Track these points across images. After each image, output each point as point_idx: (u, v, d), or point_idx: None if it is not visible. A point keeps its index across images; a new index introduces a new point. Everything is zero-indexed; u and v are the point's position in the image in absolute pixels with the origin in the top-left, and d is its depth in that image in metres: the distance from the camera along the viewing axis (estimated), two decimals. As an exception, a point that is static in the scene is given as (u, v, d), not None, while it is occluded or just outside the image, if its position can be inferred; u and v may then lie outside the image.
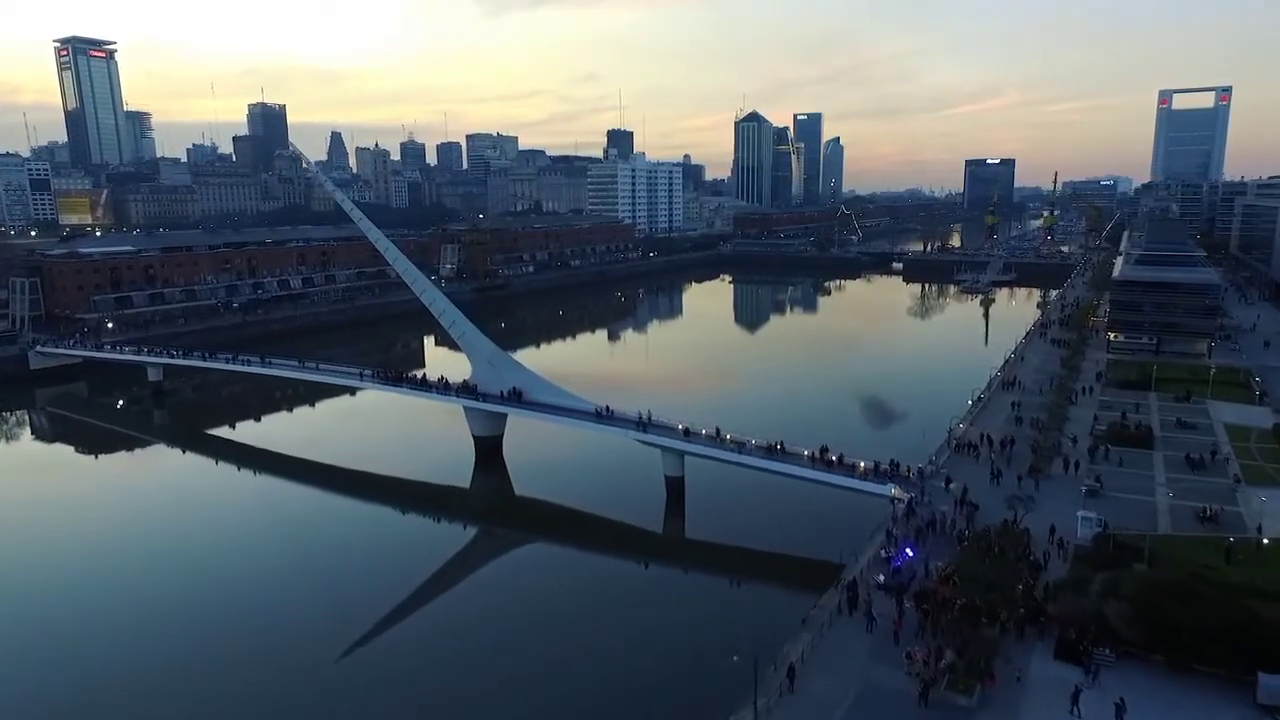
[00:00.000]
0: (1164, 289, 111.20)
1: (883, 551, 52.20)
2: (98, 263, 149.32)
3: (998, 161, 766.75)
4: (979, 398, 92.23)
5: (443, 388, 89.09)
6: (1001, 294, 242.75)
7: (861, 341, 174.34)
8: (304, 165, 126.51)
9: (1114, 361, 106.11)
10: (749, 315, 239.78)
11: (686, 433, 75.07)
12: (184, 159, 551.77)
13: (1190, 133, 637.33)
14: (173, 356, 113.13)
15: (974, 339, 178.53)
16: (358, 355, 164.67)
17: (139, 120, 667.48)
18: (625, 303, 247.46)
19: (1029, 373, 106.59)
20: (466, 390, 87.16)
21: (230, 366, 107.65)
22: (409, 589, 63.78)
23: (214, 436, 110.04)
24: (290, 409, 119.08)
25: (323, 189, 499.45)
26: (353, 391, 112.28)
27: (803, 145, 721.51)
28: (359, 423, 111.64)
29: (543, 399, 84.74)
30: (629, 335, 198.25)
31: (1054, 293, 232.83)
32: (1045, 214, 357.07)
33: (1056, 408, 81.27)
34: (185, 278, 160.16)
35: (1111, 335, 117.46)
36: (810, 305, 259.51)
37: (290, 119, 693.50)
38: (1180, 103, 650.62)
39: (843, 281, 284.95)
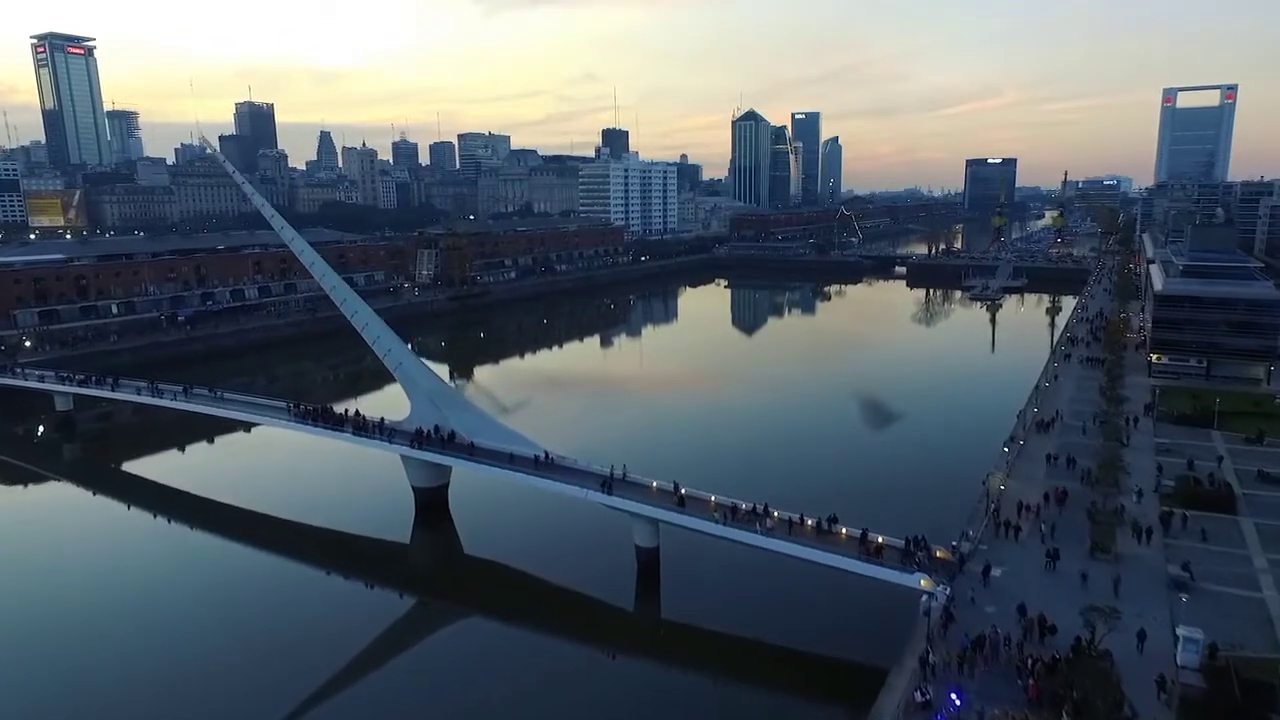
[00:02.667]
0: (1218, 305, 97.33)
1: (918, 694, 37.96)
2: (19, 273, 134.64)
3: (999, 161, 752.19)
4: (1012, 437, 78.09)
5: (376, 430, 74.67)
6: (1009, 300, 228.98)
7: (868, 358, 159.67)
8: (210, 151, 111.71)
9: (1162, 390, 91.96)
10: (745, 327, 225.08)
11: (676, 489, 61.00)
12: (173, 159, 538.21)
13: (1195, 131, 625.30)
14: (81, 384, 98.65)
15: (991, 355, 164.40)
16: (323, 370, 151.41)
17: (125, 120, 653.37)
18: (614, 310, 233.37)
19: (1063, 402, 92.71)
20: (414, 434, 72.69)
21: (138, 398, 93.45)
22: (338, 665, 53.47)
23: (128, 475, 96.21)
24: (214, 440, 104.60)
25: (309, 190, 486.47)
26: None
27: (801, 145, 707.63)
28: (289, 458, 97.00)
29: (491, 444, 70.49)
30: (617, 347, 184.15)
31: (1066, 299, 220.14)
32: (1054, 214, 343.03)
33: (1110, 457, 67.00)
34: (124, 288, 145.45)
35: (1154, 357, 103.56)
36: (811, 315, 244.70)
37: (288, 119, 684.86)
38: (1184, 101, 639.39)
39: (843, 287, 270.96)
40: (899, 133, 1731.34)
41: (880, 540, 53.41)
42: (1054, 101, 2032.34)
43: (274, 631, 58.93)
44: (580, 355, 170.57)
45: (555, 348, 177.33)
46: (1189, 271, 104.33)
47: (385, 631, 60.83)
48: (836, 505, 76.23)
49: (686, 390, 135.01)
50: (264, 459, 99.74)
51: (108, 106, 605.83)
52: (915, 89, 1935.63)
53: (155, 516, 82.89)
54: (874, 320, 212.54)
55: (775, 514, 57.28)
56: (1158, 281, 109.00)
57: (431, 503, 74.90)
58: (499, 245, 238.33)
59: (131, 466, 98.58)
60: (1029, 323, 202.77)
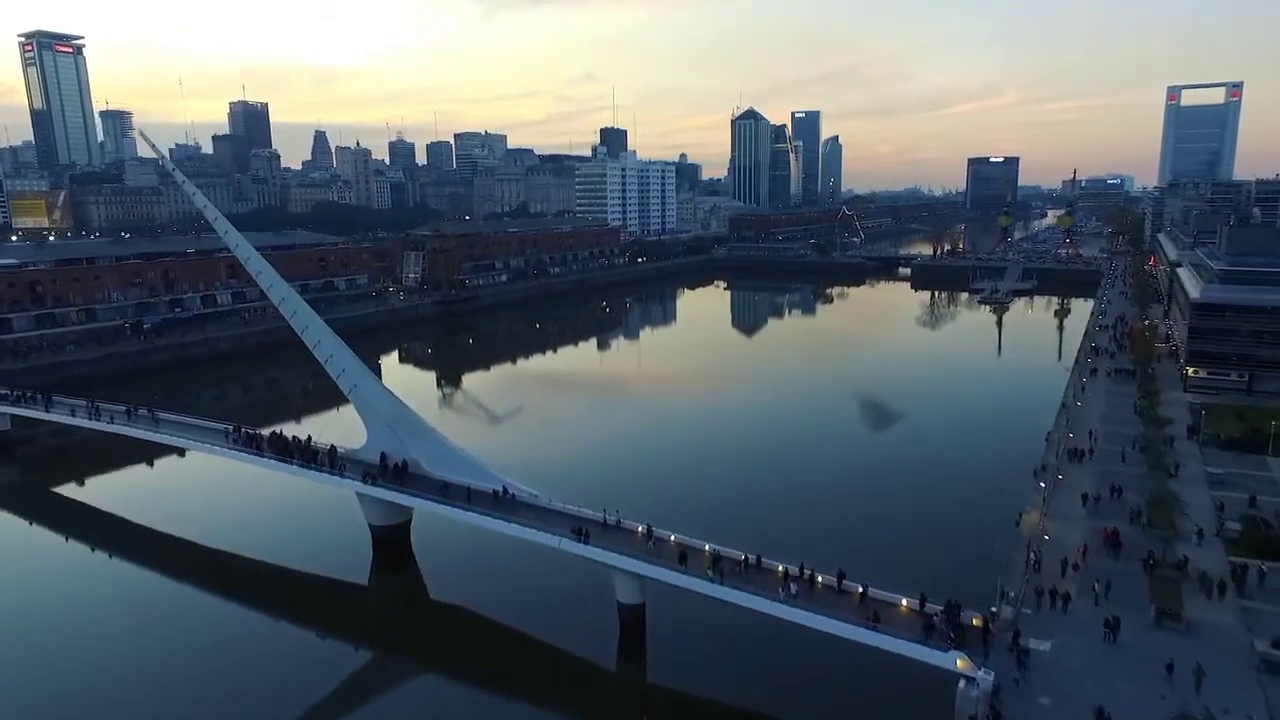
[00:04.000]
0: (1263, 314, 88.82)
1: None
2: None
3: (1001, 160, 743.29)
4: (1043, 466, 69.53)
5: (327, 461, 66.14)
6: (1018, 302, 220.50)
7: (875, 366, 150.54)
8: (137, 138, 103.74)
9: (1204, 408, 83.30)
10: (745, 332, 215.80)
11: (650, 534, 52.87)
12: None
13: (1200, 130, 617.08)
14: (15, 402, 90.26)
15: (1008, 362, 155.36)
16: (302, 379, 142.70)
17: (119, 120, 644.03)
18: (610, 314, 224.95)
19: (1095, 421, 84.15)
20: (366, 469, 64.41)
21: (71, 420, 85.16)
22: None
23: (69, 501, 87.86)
24: (164, 462, 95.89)
25: (301, 190, 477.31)
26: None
27: (801, 144, 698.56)
28: (239, 484, 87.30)
29: (450, 475, 62.09)
30: (612, 354, 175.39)
31: (1077, 302, 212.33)
32: (1059, 214, 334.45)
33: (1160, 495, 58.54)
34: (84, 295, 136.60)
35: (1190, 370, 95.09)
36: (814, 319, 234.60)
37: (288, 120, 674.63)
38: (1189, 99, 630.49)
39: (846, 289, 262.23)
40: (899, 132, 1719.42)
41: (904, 604, 45.11)
42: (1054, 101, 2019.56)
43: (214, 684, 52.07)
44: (573, 363, 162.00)
45: (549, 352, 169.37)
46: (1228, 277, 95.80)
47: (337, 688, 53.70)
48: (844, 533, 69.14)
49: (683, 399, 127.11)
50: (213, 484, 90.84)
51: (102, 106, 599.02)
52: (915, 89, 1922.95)
53: (94, 550, 75.97)
54: (880, 324, 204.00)
55: (782, 569, 48.96)
56: (1193, 288, 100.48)
57: (391, 541, 66.46)
58: (489, 247, 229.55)
59: (73, 492, 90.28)
60: (1042, 327, 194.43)
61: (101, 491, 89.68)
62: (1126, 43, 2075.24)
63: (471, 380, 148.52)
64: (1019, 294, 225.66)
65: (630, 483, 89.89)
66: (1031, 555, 50.99)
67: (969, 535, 67.75)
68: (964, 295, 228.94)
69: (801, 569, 48.67)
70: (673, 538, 52.89)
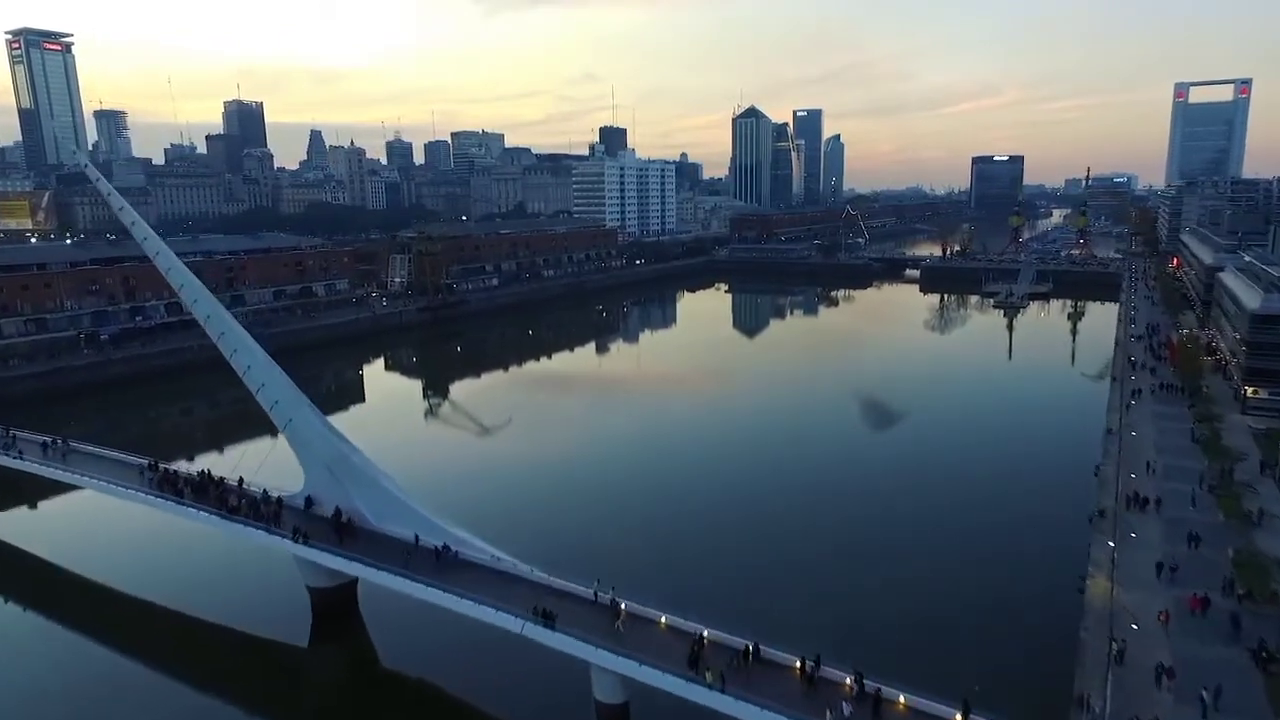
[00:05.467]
0: (1335, 328, 78.83)
1: None
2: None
3: (1006, 159, 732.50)
4: (1100, 512, 59.19)
5: (257, 510, 55.96)
6: (1031, 305, 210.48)
7: (886, 379, 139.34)
8: (76, 150, 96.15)
9: (1270, 435, 73.12)
10: (749, 339, 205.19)
11: (617, 610, 42.82)
12: (163, 159, 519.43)
13: (1208, 127, 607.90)
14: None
15: (1033, 371, 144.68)
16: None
17: (113, 119, 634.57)
18: (606, 319, 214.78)
19: (1149, 451, 73.85)
20: (296, 525, 54.26)
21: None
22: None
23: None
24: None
25: (294, 190, 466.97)
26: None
27: (802, 143, 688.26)
28: (175, 519, 79.24)
29: (400, 530, 51.95)
30: (608, 361, 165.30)
31: (1093, 305, 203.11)
32: (1074, 214, 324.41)
33: (1252, 552, 48.35)
34: (33, 304, 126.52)
35: (1249, 390, 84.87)
36: (823, 325, 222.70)
37: (288, 120, 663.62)
38: (1197, 96, 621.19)
39: (852, 292, 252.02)
40: (899, 132, 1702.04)
41: (959, 720, 34.98)
42: (1055, 100, 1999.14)
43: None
44: (566, 372, 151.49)
45: (541, 359, 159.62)
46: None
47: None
48: (860, 581, 60.12)
49: (681, 410, 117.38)
50: (146, 516, 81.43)
51: (97, 106, 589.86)
52: (916, 88, 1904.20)
53: (4, 600, 65.85)
54: (890, 327, 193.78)
55: (800, 663, 38.87)
56: (1248, 297, 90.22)
57: (333, 604, 56.17)
58: (479, 249, 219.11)
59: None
60: (1060, 331, 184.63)
61: (27, 526, 79.95)
62: (1127, 42, 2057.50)
63: (458, 389, 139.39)
64: (1034, 297, 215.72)
65: (623, 494, 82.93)
66: (1114, 645, 40.70)
67: (1013, 591, 57.94)
68: (974, 298, 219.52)
69: (818, 661, 38.70)
70: (663, 619, 42.69)
